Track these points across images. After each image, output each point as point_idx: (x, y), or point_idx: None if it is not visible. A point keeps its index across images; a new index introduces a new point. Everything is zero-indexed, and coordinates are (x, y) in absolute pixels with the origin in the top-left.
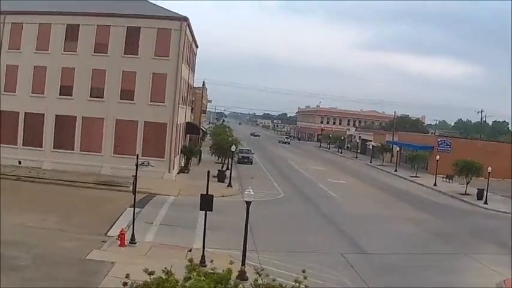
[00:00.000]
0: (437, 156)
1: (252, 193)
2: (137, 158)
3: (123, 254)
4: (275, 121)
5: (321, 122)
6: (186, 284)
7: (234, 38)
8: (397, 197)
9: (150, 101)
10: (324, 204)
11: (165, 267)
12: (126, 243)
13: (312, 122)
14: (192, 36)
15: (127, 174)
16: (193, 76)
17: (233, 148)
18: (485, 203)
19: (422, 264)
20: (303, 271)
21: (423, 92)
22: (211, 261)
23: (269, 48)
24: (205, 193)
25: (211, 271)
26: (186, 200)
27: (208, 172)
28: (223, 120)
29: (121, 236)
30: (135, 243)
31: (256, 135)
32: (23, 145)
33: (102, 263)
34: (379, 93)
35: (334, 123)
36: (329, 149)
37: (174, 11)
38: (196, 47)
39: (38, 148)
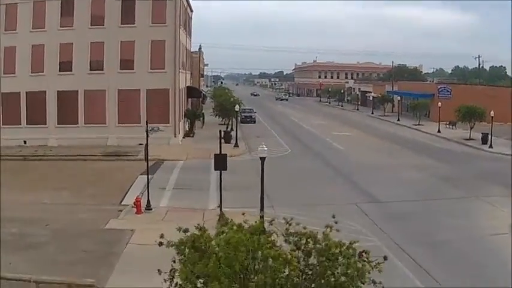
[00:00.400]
0: (439, 103)
1: (266, 149)
2: (147, 125)
3: (141, 220)
4: (272, 79)
5: (319, 77)
6: (221, 237)
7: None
8: (403, 146)
9: (151, 69)
10: (331, 157)
11: (198, 224)
12: (142, 210)
13: (309, 78)
14: (187, 0)
15: (133, 143)
16: (190, 41)
17: (237, 108)
18: (491, 147)
19: (435, 209)
20: (333, 216)
21: (419, 42)
22: (231, 220)
23: (262, 8)
24: (218, 153)
25: (244, 223)
26: (195, 163)
27: (220, 131)
28: (221, 83)
29: (137, 203)
30: (151, 209)
31: (256, 95)
32: (26, 124)
33: (121, 231)
34: (374, 45)
35: (332, 77)
36: (329, 103)
37: None
38: (191, 11)
39: (42, 126)
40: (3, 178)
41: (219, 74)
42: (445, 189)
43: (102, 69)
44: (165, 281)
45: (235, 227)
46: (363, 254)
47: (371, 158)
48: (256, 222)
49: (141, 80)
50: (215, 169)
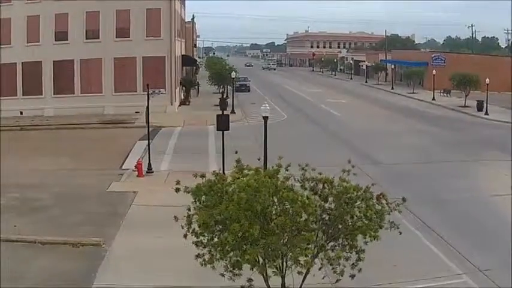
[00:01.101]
0: (434, 71)
1: (268, 108)
2: (148, 88)
3: (143, 183)
4: (264, 50)
5: (311, 47)
6: (240, 179)
7: None
8: (399, 113)
9: (147, 36)
10: (329, 123)
11: (214, 170)
12: (143, 173)
13: (302, 48)
14: None
15: (130, 111)
16: (185, 10)
17: (233, 74)
18: (486, 113)
19: (436, 171)
20: (349, 161)
21: (409, 11)
22: (247, 165)
23: None
24: (220, 114)
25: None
26: (193, 129)
27: (222, 93)
28: (214, 53)
29: (138, 166)
30: (153, 172)
31: (250, 65)
32: (23, 95)
33: (124, 194)
34: (365, 15)
35: (324, 47)
36: (322, 72)
37: None
38: None
39: (38, 96)
40: (1, 147)
41: (210, 46)
42: (445, 153)
43: (98, 38)
44: (182, 227)
45: (252, 172)
46: (381, 196)
47: (368, 124)
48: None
49: (137, 47)
50: (218, 129)
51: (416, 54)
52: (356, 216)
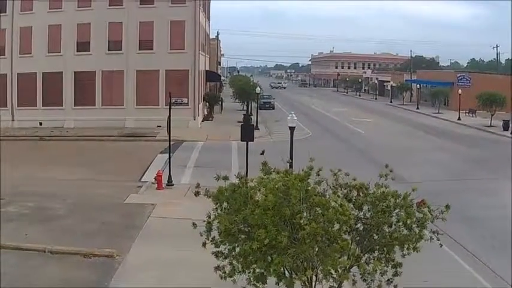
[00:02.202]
0: (460, 91)
1: (295, 118)
2: (170, 96)
3: (162, 195)
4: (288, 71)
5: (336, 67)
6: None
7: None
8: (425, 131)
9: (170, 49)
10: (354, 140)
11: (238, 172)
12: (163, 186)
13: (326, 68)
14: None
15: (151, 125)
16: (209, 25)
17: (258, 90)
18: None
19: (463, 188)
20: (386, 166)
21: (434, 35)
22: (274, 168)
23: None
24: (243, 123)
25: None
26: (216, 144)
27: (246, 110)
28: (238, 72)
29: (158, 178)
30: (173, 185)
31: (279, 87)
32: (42, 106)
33: (142, 206)
34: (390, 37)
35: (349, 67)
36: (347, 92)
37: None
38: None
39: (58, 107)
40: (19, 155)
41: (234, 66)
42: (472, 170)
43: (121, 49)
44: (201, 234)
45: (281, 174)
46: (422, 203)
47: (394, 142)
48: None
49: (161, 60)
50: (241, 140)
51: (442, 74)
52: (394, 225)
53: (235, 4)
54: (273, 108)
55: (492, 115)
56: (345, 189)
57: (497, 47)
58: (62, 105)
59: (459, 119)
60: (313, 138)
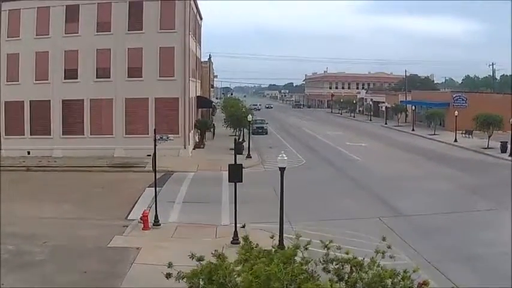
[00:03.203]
0: (456, 112)
1: (285, 158)
2: (155, 133)
3: (148, 237)
4: (282, 91)
5: (330, 88)
6: (245, 268)
7: (235, 10)
8: (421, 156)
9: (159, 77)
10: (348, 167)
11: (216, 250)
12: (149, 226)
13: (320, 89)
14: (196, 7)
15: (141, 154)
16: (200, 49)
17: (249, 117)
18: (511, 155)
19: (464, 222)
20: (383, 239)
21: (427, 52)
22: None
23: (270, 20)
24: (232, 163)
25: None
26: (206, 175)
27: (235, 139)
28: (231, 94)
29: (144, 218)
30: (159, 224)
31: (269, 107)
32: (30, 135)
33: (126, 250)
34: (384, 55)
35: (343, 87)
36: (341, 114)
37: None
38: (201, 18)
39: (46, 136)
40: (3, 189)
41: (228, 86)
42: (471, 201)
43: (109, 77)
44: None
45: (262, 256)
46: (423, 285)
47: (390, 169)
48: (288, 247)
49: (150, 88)
50: (229, 181)
51: (437, 95)
52: None
53: (229, 25)
54: (266, 133)
55: (489, 136)
56: (337, 264)
57: (493, 64)
58: (50, 134)
59: (456, 140)
60: (306, 166)
